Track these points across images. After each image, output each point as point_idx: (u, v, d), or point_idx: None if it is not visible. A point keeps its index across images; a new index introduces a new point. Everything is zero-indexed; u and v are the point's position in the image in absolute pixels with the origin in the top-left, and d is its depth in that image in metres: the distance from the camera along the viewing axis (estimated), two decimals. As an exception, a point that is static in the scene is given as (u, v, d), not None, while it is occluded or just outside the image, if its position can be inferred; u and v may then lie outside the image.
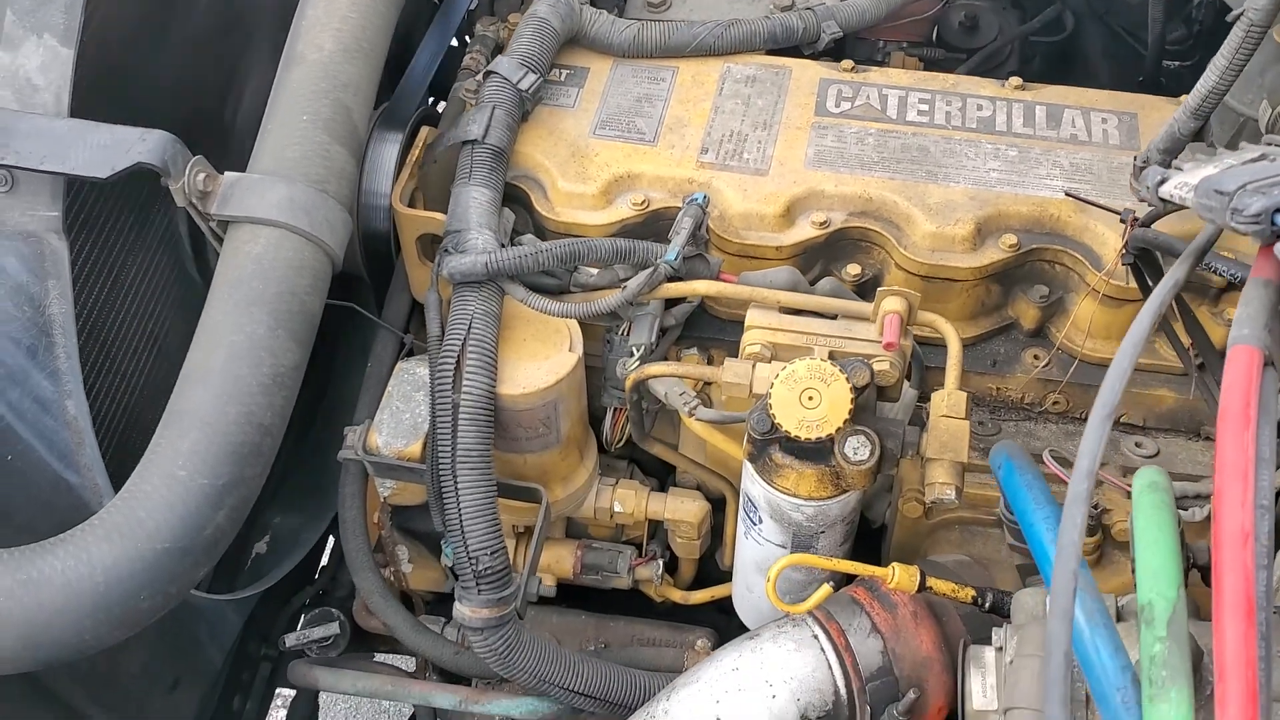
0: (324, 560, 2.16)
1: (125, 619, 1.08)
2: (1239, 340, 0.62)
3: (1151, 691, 0.61)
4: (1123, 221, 1.22)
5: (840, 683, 1.24)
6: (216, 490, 1.12)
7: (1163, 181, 0.95)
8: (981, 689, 1.02)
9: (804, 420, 1.11)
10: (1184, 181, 0.89)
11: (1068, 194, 1.38)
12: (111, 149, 1.20)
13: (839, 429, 1.12)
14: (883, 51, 2.00)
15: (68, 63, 1.23)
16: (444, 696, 1.46)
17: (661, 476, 1.71)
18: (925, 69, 1.88)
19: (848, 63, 1.63)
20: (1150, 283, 1.30)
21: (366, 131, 1.50)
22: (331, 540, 2.14)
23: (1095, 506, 1.34)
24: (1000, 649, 1.03)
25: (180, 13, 1.49)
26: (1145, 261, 1.26)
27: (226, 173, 1.26)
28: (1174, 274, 0.83)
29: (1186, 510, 1.21)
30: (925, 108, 1.56)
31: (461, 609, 1.34)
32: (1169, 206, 1.09)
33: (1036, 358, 1.49)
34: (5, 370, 1.25)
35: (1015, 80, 1.60)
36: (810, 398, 1.11)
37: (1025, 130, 1.54)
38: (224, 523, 1.13)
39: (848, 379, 1.12)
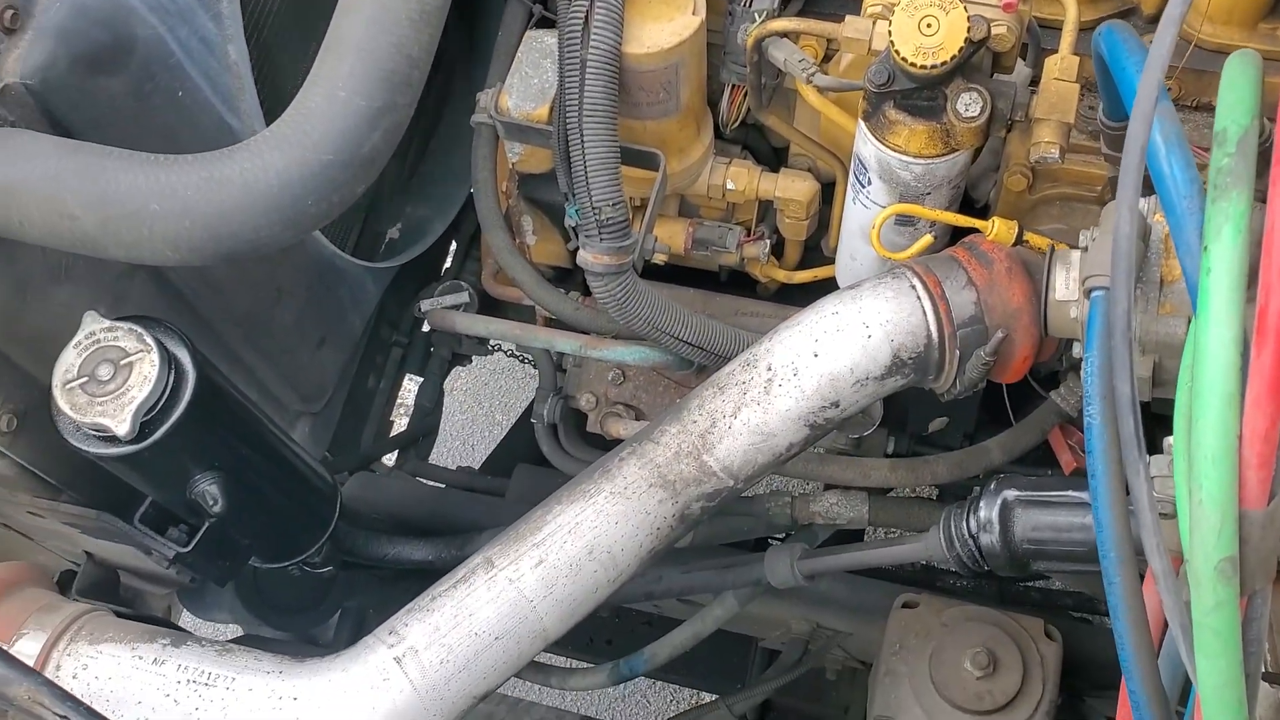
0: (448, 262, 2.32)
1: (295, 220, 1.21)
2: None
3: (1214, 195, 0.69)
4: None
5: (933, 328, 1.32)
6: (373, 111, 1.22)
7: None
8: (1065, 282, 1.10)
9: (921, 47, 1.17)
10: None
11: None
12: None
13: (954, 57, 1.17)
14: None
15: None
16: (566, 342, 1.61)
17: (773, 165, 1.78)
18: None
19: None
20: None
21: None
22: (454, 244, 2.29)
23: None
24: (1085, 248, 1.10)
25: None
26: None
27: None
28: None
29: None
30: None
31: (585, 255, 1.46)
32: None
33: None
34: (176, 7, 1.36)
35: None
36: (929, 25, 1.16)
37: None
38: (379, 143, 1.24)
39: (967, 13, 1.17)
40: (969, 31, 1.18)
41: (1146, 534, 0.72)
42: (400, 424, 2.46)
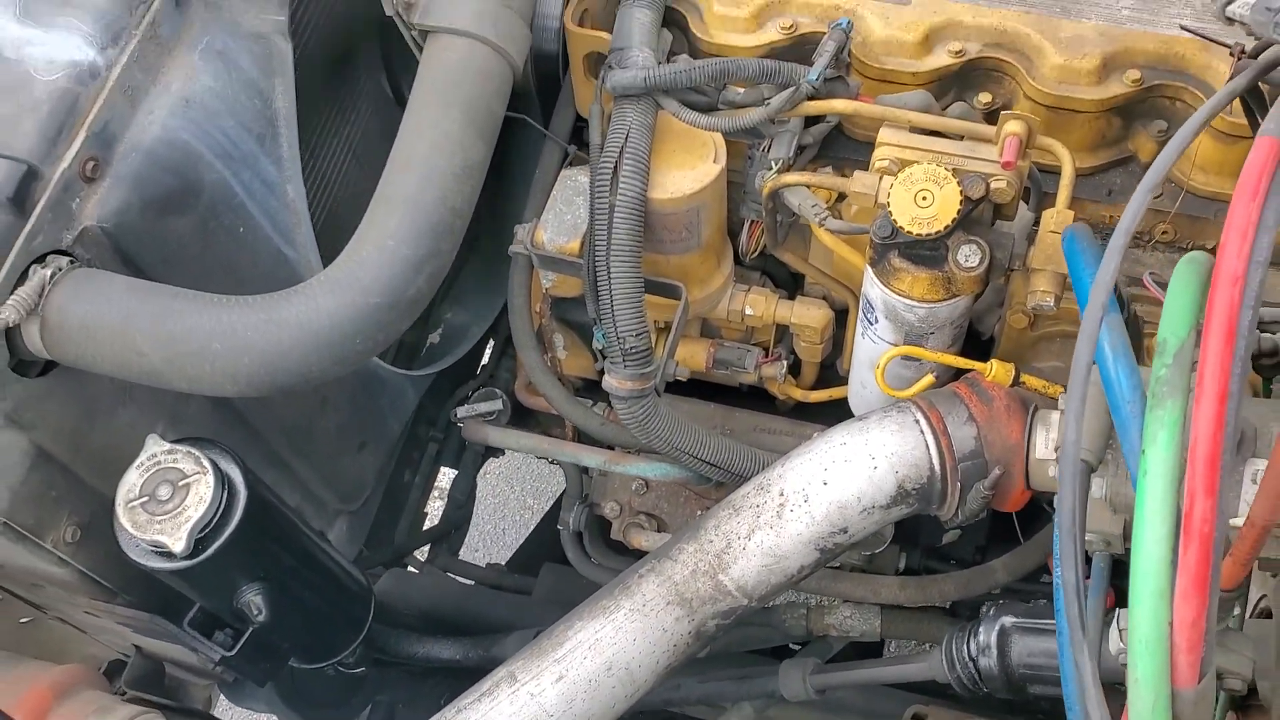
0: (484, 360, 2.43)
1: (344, 356, 1.32)
2: (1265, 133, 0.76)
3: (1152, 403, 0.77)
4: (1232, 55, 1.30)
5: (936, 461, 1.40)
6: (418, 259, 1.34)
7: (1229, 2, 1.06)
8: (1044, 442, 1.18)
9: (917, 217, 1.27)
10: (1246, 1, 0.99)
11: (1184, 29, 1.46)
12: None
13: (947, 226, 1.27)
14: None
15: None
16: (591, 457, 1.70)
17: (790, 289, 1.88)
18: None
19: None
20: (1259, 119, 1.38)
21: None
22: (491, 343, 2.40)
23: (1138, 318, 1.45)
24: (1063, 410, 1.18)
25: None
26: (1255, 98, 1.34)
27: (426, -13, 1.45)
28: (1228, 88, 0.94)
29: (1275, 334, 1.33)
30: (1066, -55, 1.63)
31: (610, 381, 1.56)
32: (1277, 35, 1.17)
33: (1150, 189, 1.58)
34: (240, 154, 1.49)
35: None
36: (924, 197, 1.26)
37: (1162, -30, 1.60)
38: (423, 286, 1.35)
39: (961, 187, 1.27)
40: (964, 196, 1.28)
41: (1092, 706, 0.79)
42: (434, 508, 2.55)
